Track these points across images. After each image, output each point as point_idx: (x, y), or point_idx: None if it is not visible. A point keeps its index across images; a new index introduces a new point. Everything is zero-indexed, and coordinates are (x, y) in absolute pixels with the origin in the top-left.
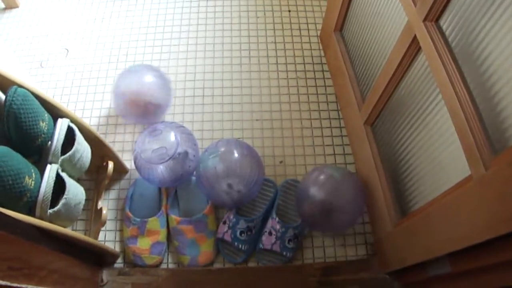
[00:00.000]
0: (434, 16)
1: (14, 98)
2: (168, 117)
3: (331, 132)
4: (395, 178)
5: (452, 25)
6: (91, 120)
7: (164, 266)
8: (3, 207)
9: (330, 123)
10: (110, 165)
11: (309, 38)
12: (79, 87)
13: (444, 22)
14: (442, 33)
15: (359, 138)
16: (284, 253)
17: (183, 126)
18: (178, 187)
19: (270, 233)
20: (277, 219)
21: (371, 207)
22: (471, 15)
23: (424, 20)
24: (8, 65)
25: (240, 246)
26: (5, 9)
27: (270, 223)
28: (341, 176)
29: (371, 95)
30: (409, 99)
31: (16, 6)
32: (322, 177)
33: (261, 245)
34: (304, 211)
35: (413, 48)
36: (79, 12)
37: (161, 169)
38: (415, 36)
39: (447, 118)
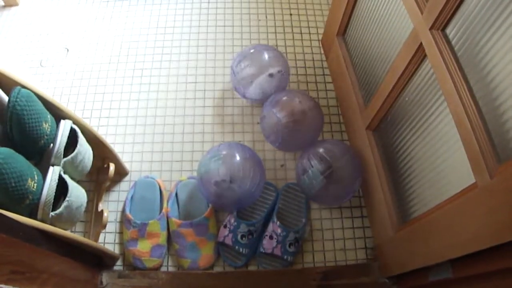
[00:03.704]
0: (441, 24)
1: (17, 99)
2: (168, 119)
3: (332, 136)
4: (397, 184)
5: (459, 34)
6: (91, 121)
7: (164, 269)
8: (4, 209)
9: (331, 127)
10: (112, 167)
11: (311, 42)
12: (79, 87)
13: (451, 31)
14: (449, 42)
15: (361, 143)
16: (285, 257)
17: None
18: (179, 189)
19: (271, 237)
20: (278, 223)
21: (372, 211)
22: (478, 25)
23: (431, 28)
24: (9, 64)
25: (240, 249)
26: (4, 7)
27: (271, 227)
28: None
29: (374, 100)
30: (413, 106)
31: (16, 4)
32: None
33: (262, 249)
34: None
35: (419, 56)
36: (79, 11)
37: (257, 84)
38: (421, 44)
39: (452, 126)
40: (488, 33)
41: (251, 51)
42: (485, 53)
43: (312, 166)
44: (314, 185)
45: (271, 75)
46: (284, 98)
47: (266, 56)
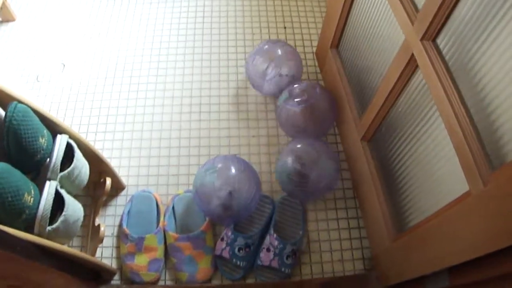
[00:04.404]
0: (431, 35)
1: (14, 114)
2: (165, 133)
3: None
4: (393, 193)
5: (449, 44)
6: (87, 136)
7: (161, 283)
8: (1, 223)
9: (327, 138)
10: (108, 181)
11: (305, 55)
12: (75, 102)
13: (442, 41)
14: (440, 52)
15: (356, 153)
16: (283, 269)
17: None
18: (175, 203)
19: (268, 250)
20: (275, 235)
21: (368, 222)
22: (468, 35)
23: (422, 39)
24: (5, 79)
25: (238, 262)
26: (1, 22)
27: (268, 239)
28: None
29: (368, 111)
30: (407, 116)
31: (13, 20)
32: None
33: (259, 262)
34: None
35: (411, 66)
36: (75, 27)
37: (270, 83)
38: (412, 55)
39: (445, 135)
40: (478, 42)
41: (266, 47)
42: (475, 62)
43: (288, 162)
44: (285, 179)
45: (280, 76)
46: (300, 86)
47: (279, 52)
